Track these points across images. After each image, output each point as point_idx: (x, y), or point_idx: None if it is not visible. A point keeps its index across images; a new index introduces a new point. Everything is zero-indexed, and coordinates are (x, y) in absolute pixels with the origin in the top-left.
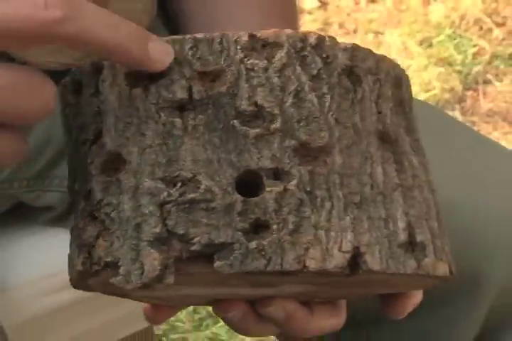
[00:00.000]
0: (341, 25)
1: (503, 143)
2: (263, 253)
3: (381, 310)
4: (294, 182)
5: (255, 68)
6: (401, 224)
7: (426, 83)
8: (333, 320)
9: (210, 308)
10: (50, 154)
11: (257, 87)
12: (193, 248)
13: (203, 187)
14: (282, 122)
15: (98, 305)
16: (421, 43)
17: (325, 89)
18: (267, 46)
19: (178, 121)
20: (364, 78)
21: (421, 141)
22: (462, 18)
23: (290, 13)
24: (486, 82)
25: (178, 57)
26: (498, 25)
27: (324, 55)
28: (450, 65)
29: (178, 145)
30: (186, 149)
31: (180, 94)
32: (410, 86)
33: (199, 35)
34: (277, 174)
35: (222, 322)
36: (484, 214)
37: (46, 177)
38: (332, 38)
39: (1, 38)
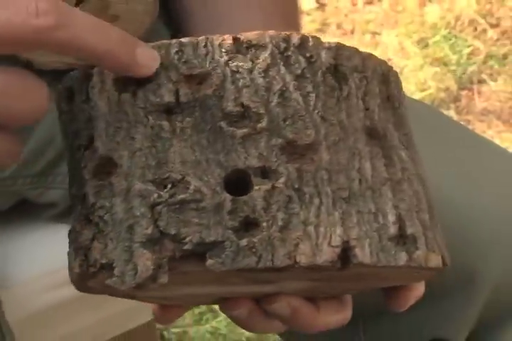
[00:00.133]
0: (339, 26)
1: (497, 141)
2: (254, 250)
3: (383, 302)
4: (282, 179)
5: (240, 70)
6: (391, 218)
7: (422, 82)
8: (339, 316)
9: None
10: (53, 152)
11: (242, 88)
12: (185, 247)
13: (192, 187)
14: (268, 121)
15: (100, 300)
16: (417, 43)
17: (310, 88)
18: (251, 48)
19: (165, 124)
20: (350, 76)
21: (411, 136)
22: (457, 19)
23: (292, 14)
24: (481, 81)
25: (165, 62)
26: (492, 26)
27: (308, 55)
28: (445, 64)
29: (167, 148)
30: (175, 151)
31: (168, 98)
32: (400, 82)
33: (184, 40)
34: (265, 172)
35: (221, 317)
36: (479, 213)
37: (49, 174)
38: (316, 38)
39: None
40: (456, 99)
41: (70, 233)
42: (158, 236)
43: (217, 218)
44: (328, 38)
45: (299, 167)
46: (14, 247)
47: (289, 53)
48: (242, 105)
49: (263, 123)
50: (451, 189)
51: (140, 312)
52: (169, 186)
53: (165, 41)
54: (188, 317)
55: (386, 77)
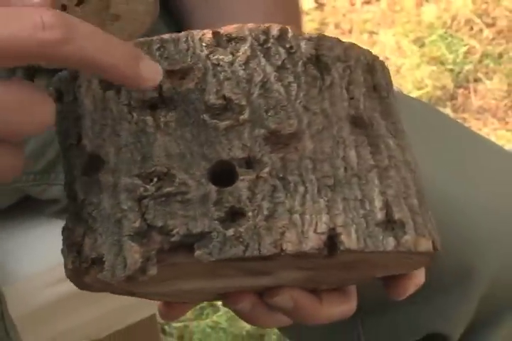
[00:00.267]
0: (337, 26)
1: (492, 138)
2: (241, 239)
3: (382, 295)
4: (267, 169)
5: (221, 63)
6: (378, 204)
7: (419, 81)
8: (343, 307)
9: None
10: (56, 149)
11: (224, 80)
12: (172, 239)
13: (177, 180)
14: (251, 113)
15: (102, 294)
16: (414, 43)
17: (291, 79)
18: (231, 41)
19: (149, 119)
20: (332, 66)
21: (400, 124)
22: (453, 18)
23: (294, 13)
24: (477, 80)
25: None
26: (488, 25)
27: (288, 46)
28: (442, 63)
29: (152, 142)
30: (159, 145)
31: (151, 93)
32: (388, 72)
33: (165, 36)
34: (249, 163)
35: (222, 311)
36: (475, 209)
37: (52, 171)
38: (295, 30)
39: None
40: (453, 98)
41: (63, 231)
42: (145, 229)
43: (203, 209)
44: None
45: (283, 156)
46: (17, 243)
47: (269, 45)
48: (224, 97)
49: (245, 115)
50: (448, 186)
51: (141, 307)
52: (155, 180)
53: (147, 38)
54: (188, 311)
55: (371, 67)
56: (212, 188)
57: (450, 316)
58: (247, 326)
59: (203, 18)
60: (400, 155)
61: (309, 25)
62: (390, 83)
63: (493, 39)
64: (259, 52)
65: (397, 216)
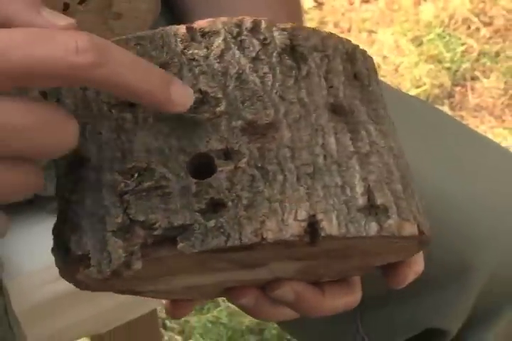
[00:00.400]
0: (336, 25)
1: (489, 136)
2: (222, 230)
3: (381, 289)
4: (244, 159)
5: (196, 57)
6: (359, 189)
7: (417, 79)
8: (347, 298)
9: None
10: None
11: (199, 74)
12: (155, 233)
13: (157, 174)
14: (227, 105)
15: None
16: (412, 41)
17: (266, 69)
18: (205, 35)
19: (128, 115)
20: (309, 55)
21: (383, 110)
22: (451, 17)
23: (296, 13)
24: (474, 78)
25: None
26: (486, 24)
27: (262, 37)
28: (440, 62)
29: (131, 138)
30: (139, 141)
31: None
32: (370, 60)
33: (141, 33)
34: (227, 154)
35: (222, 306)
36: (473, 206)
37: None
38: (269, 21)
39: (31, 78)
40: (450, 96)
41: (53, 230)
42: (128, 223)
43: (183, 202)
44: None
45: (260, 146)
46: (18, 239)
47: (243, 37)
48: (201, 91)
49: (222, 107)
50: (446, 183)
51: (140, 305)
52: (136, 175)
53: (122, 37)
54: None
55: (351, 55)
56: (192, 180)
57: (448, 311)
58: (247, 321)
59: (203, 16)
60: (382, 141)
61: (308, 24)
62: (372, 71)
63: (490, 38)
64: (233, 45)
65: (379, 201)
